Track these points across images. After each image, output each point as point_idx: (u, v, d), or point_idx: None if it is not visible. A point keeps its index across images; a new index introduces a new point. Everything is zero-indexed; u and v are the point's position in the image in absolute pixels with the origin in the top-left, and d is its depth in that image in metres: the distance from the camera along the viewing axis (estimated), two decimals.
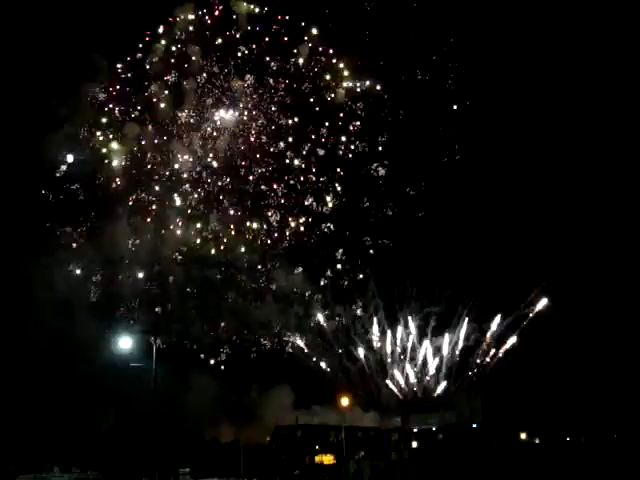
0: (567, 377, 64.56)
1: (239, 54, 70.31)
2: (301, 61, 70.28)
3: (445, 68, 69.54)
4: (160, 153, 69.26)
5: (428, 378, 68.87)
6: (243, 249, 68.11)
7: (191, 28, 70.36)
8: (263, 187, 69.60)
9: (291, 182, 69.93)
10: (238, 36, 70.40)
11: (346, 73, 70.41)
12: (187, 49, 69.70)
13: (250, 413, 64.53)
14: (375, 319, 68.68)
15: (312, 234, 69.28)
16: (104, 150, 67.92)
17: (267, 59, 70.25)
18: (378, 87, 70.07)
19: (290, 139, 70.07)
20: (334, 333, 68.65)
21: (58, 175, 66.64)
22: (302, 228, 69.46)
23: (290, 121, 70.34)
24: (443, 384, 68.52)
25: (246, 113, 70.22)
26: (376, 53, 69.58)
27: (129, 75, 69.41)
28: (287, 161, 69.87)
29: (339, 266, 68.66)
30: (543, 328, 65.12)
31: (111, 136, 68.27)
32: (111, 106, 68.84)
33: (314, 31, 69.97)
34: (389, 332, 68.94)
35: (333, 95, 70.75)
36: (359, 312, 68.31)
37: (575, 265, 65.22)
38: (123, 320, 63.84)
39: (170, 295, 66.51)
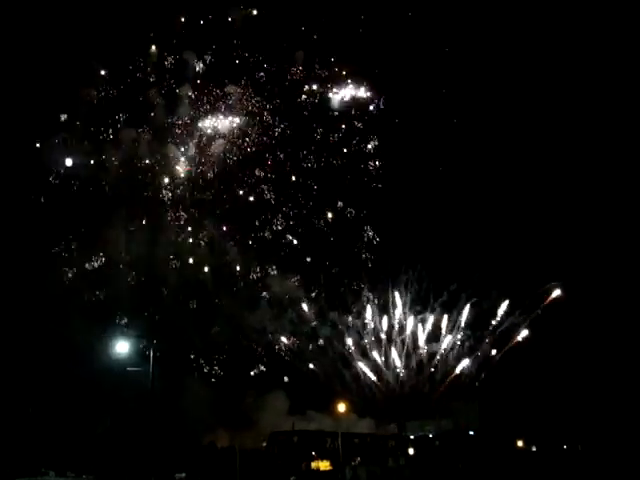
0: (564, 385, 64.58)
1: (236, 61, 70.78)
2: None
3: (444, 68, 69.95)
4: (156, 159, 69.39)
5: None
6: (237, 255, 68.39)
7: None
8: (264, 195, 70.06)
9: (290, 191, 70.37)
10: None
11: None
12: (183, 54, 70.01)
13: (246, 418, 64.36)
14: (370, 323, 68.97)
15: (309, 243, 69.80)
16: (101, 155, 67.96)
17: (264, 65, 70.69)
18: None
19: (288, 148, 70.62)
20: (328, 339, 68.83)
21: (55, 180, 66.67)
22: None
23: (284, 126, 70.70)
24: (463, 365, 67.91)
25: (242, 119, 70.49)
26: (372, 60, 70.26)
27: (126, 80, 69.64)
28: (286, 169, 70.45)
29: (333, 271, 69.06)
30: (540, 338, 65.40)
31: (107, 141, 68.35)
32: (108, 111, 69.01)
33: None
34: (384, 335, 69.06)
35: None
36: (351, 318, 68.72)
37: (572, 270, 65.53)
38: (118, 325, 63.80)
39: (164, 300, 66.44)
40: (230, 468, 55.29)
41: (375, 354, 69.35)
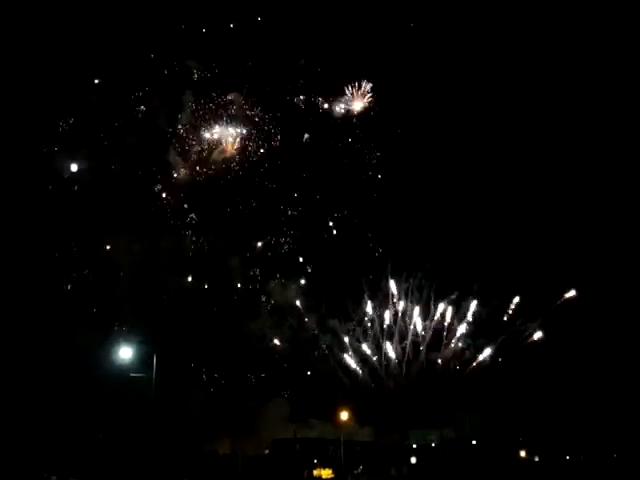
0: (567, 395, 64.34)
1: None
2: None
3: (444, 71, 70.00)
4: (156, 165, 69.77)
5: None
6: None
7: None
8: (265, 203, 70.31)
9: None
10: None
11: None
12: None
13: (247, 425, 64.39)
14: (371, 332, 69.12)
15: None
16: (102, 161, 68.18)
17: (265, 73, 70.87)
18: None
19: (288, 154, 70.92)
20: (328, 346, 68.97)
21: (57, 186, 66.83)
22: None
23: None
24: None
25: (243, 127, 70.73)
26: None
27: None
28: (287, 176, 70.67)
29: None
30: (542, 347, 65.32)
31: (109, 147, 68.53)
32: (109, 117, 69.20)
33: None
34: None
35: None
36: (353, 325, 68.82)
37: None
38: (119, 331, 63.91)
39: (165, 307, 66.52)
40: (232, 475, 55.38)
41: (376, 361, 69.39)
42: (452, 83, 69.50)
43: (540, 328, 66.62)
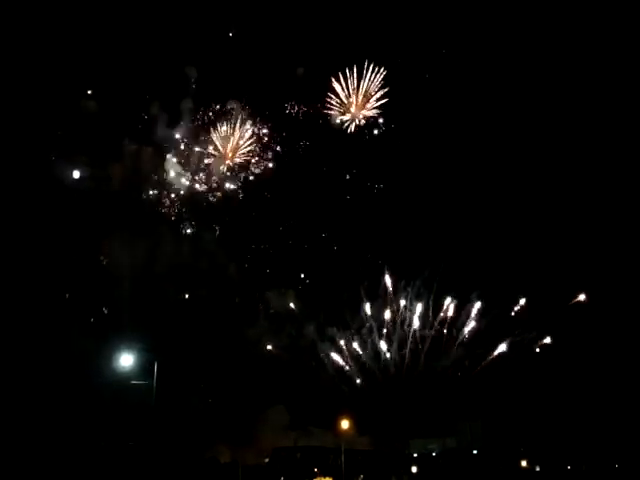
0: (569, 405, 64.17)
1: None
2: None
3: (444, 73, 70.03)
4: (156, 171, 69.95)
5: None
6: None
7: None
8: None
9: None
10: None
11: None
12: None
13: (246, 433, 64.26)
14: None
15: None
16: (102, 169, 68.29)
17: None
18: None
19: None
20: (327, 354, 69.00)
21: (57, 192, 66.91)
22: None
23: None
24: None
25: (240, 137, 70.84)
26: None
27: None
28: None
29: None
30: (545, 355, 65.22)
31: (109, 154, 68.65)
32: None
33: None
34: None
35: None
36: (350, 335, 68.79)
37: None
38: (119, 338, 63.87)
39: (164, 314, 66.51)
40: None
41: (375, 368, 69.34)
42: (452, 83, 69.64)
43: (546, 335, 66.39)
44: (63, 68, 64.39)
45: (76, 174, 66.82)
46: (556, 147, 67.82)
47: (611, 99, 66.20)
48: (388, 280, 69.31)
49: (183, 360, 63.31)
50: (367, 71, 69.64)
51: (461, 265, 66.15)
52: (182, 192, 70.04)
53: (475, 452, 66.29)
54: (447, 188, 68.98)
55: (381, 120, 71.26)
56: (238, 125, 70.72)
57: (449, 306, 68.53)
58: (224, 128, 70.95)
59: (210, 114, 70.71)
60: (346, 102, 72.17)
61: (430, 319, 68.79)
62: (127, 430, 57.22)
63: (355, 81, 70.44)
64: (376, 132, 71.70)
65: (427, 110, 69.08)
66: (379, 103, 70.64)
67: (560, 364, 64.14)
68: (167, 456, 54.51)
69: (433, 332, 68.10)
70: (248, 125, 70.64)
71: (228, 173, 70.82)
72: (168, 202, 70.01)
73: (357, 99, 71.72)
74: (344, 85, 70.58)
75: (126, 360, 46.37)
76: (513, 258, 65.87)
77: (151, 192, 69.86)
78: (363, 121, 72.08)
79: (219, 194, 70.40)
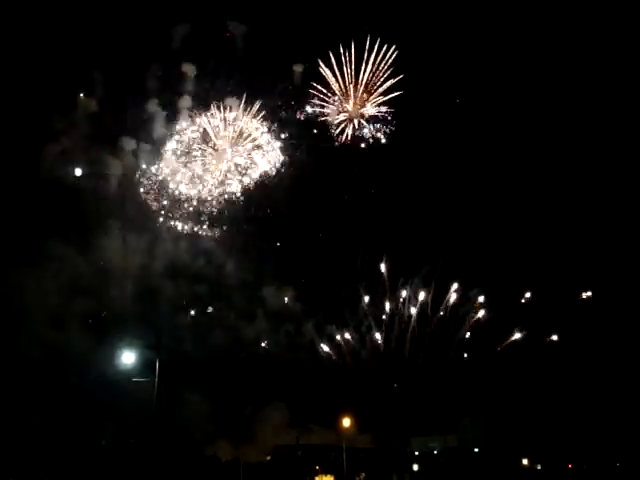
0: (570, 404, 64.14)
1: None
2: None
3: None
4: (154, 170, 69.71)
5: None
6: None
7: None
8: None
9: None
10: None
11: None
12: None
13: (246, 430, 64.19)
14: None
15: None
16: (101, 166, 67.97)
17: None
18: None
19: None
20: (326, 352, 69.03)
21: (54, 190, 66.62)
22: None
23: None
24: None
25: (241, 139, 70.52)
26: None
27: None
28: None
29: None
30: (546, 357, 65.23)
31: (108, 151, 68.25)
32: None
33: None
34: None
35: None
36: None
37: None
38: (118, 335, 63.70)
39: (163, 311, 66.42)
40: None
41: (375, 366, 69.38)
42: (452, 83, 69.57)
43: (553, 333, 66.36)
44: (62, 67, 64.23)
45: (75, 170, 66.68)
46: (568, 140, 67.74)
47: (619, 93, 66.17)
48: (385, 273, 69.22)
49: (184, 357, 63.29)
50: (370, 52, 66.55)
51: (461, 265, 66.27)
52: (182, 192, 69.80)
53: (476, 450, 66.21)
54: (452, 184, 68.96)
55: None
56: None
57: (449, 300, 68.63)
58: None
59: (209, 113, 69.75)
60: (340, 95, 69.96)
61: (429, 316, 68.90)
62: (128, 428, 57.21)
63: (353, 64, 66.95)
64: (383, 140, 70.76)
65: (432, 103, 68.92)
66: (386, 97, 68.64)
67: (562, 363, 64.12)
68: (168, 454, 54.31)
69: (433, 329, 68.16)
70: None
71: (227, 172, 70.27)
72: (167, 198, 69.84)
73: (355, 90, 68.52)
74: (338, 72, 67.66)
75: (128, 358, 46.12)
76: (516, 256, 65.90)
77: (145, 189, 69.56)
78: (364, 122, 71.27)
79: (218, 194, 70.14)
